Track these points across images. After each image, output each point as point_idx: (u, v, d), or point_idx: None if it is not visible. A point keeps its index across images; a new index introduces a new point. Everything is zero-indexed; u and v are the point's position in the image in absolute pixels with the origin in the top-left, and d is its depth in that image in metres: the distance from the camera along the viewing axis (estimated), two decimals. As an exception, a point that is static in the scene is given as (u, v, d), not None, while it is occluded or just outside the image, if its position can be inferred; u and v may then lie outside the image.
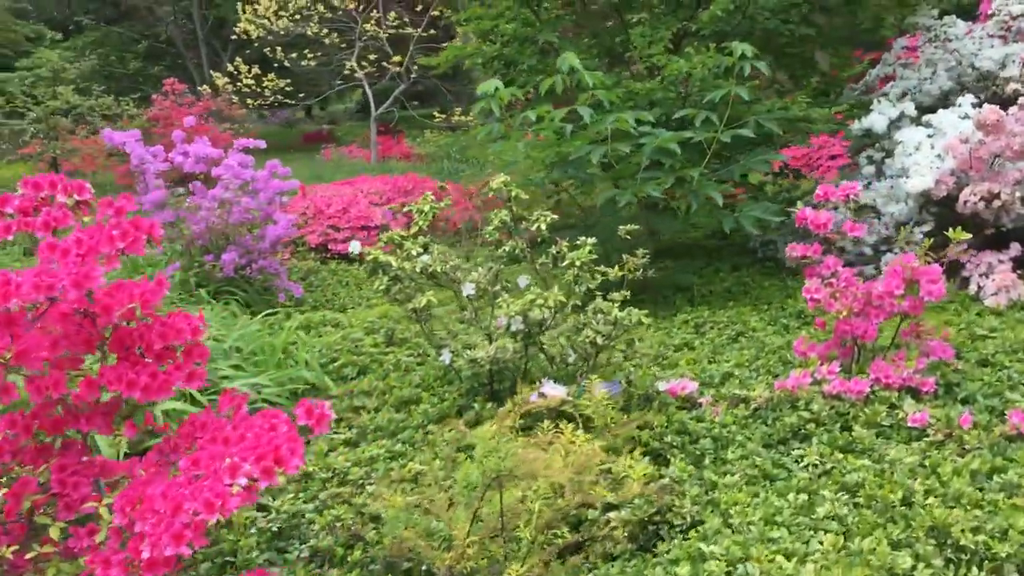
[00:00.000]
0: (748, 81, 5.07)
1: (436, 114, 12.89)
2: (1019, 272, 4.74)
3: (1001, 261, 4.82)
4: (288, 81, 13.78)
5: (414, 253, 3.57)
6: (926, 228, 5.08)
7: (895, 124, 5.55)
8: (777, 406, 3.34)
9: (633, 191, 4.85)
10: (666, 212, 5.48)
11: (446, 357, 3.56)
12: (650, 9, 6.34)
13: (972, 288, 4.82)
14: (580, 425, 2.89)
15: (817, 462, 2.92)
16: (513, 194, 3.61)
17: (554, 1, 6.34)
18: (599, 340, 3.24)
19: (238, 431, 1.78)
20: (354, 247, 3.58)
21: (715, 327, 4.65)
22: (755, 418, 3.31)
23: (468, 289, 3.55)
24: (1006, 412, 3.10)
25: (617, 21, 6.51)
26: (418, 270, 3.53)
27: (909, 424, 3.05)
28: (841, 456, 2.92)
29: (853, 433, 3.06)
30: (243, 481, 1.65)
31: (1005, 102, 5.23)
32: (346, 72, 13.54)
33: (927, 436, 3.02)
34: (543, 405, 3.18)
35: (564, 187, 5.91)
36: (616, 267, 3.49)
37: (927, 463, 2.81)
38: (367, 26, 13.23)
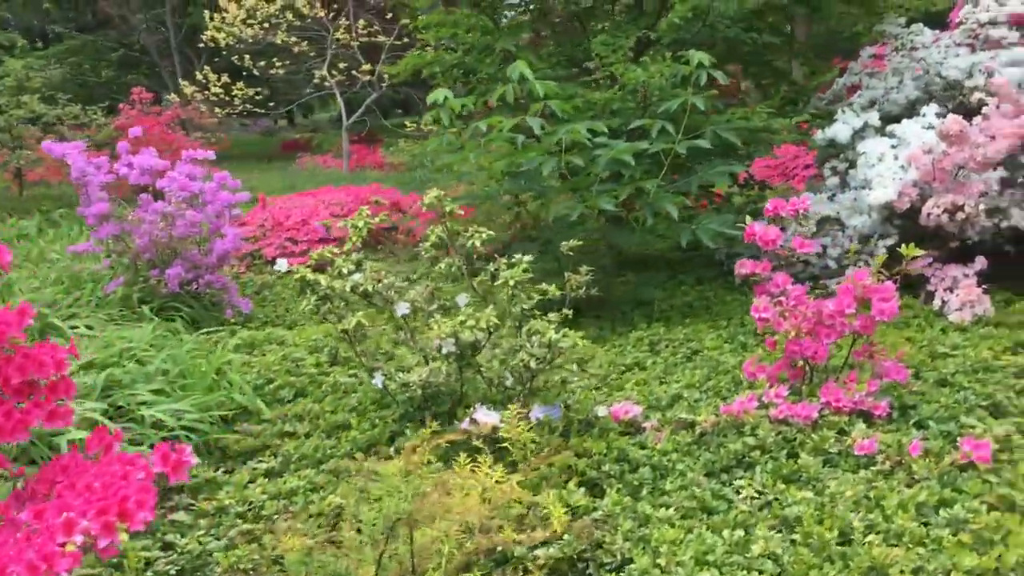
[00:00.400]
0: (707, 90, 4.93)
1: (407, 123, 12.72)
2: (984, 287, 4.60)
3: (966, 275, 4.69)
4: (258, 89, 13.58)
5: (344, 271, 3.40)
6: (890, 241, 4.93)
7: (859, 134, 5.42)
8: (723, 431, 3.18)
9: (587, 204, 4.69)
10: (625, 225, 5.33)
11: (378, 380, 3.38)
12: (611, 17, 6.20)
13: (936, 303, 4.67)
14: (507, 456, 2.73)
15: (759, 493, 2.76)
16: (448, 209, 3.44)
17: (511, 9, 6.20)
18: (533, 364, 3.08)
19: (84, 480, 1.61)
20: (280, 265, 3.41)
21: (670, 345, 4.49)
22: (700, 444, 3.15)
23: (402, 309, 3.38)
24: (960, 438, 2.95)
25: (579, 29, 6.37)
26: (348, 289, 3.36)
27: (856, 452, 2.90)
28: (784, 487, 2.76)
29: (799, 461, 2.91)
30: (79, 539, 1.47)
31: (972, 112, 5.10)
32: (315, 81, 13.36)
33: (875, 464, 2.87)
34: (474, 432, 3.02)
35: (523, 200, 5.75)
36: (554, 285, 3.32)
37: (872, 495, 2.66)
38: (338, 35, 13.06)
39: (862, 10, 6.60)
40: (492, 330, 3.15)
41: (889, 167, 4.95)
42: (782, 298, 3.37)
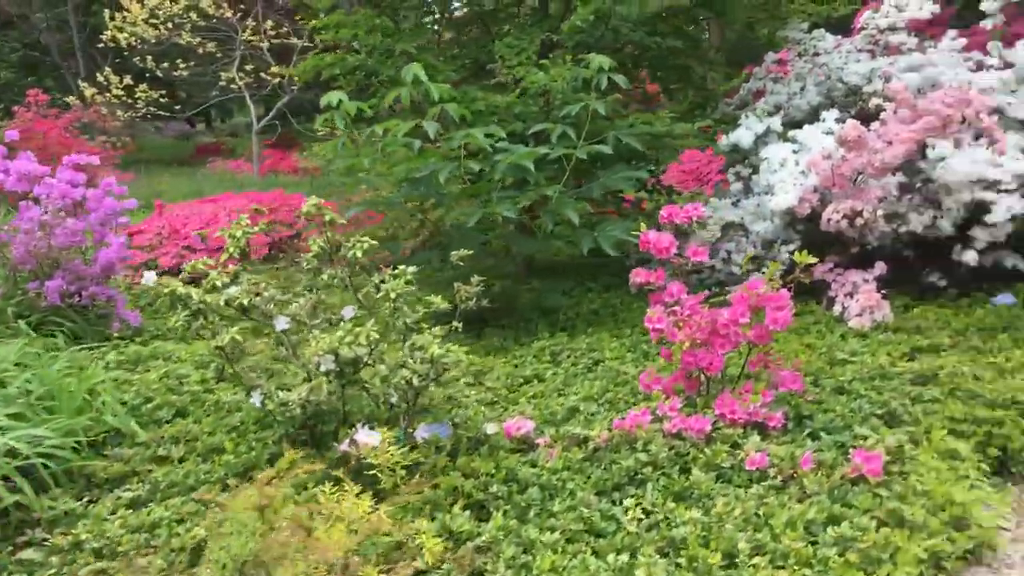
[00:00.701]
0: (610, 95, 4.85)
1: (319, 127, 12.37)
2: (884, 292, 4.61)
3: (866, 280, 4.69)
4: (163, 92, 13.10)
5: (219, 284, 3.19)
6: (792, 247, 4.92)
7: (762, 139, 5.41)
8: (616, 447, 3.07)
9: (487, 210, 4.56)
10: (529, 232, 5.22)
11: (256, 399, 3.18)
12: (516, 20, 6.10)
13: (837, 309, 4.67)
14: (379, 482, 2.57)
15: (647, 513, 2.65)
16: (328, 218, 3.27)
17: (414, 11, 6.04)
18: (416, 381, 2.92)
19: None
20: (148, 279, 3.19)
21: (572, 355, 4.38)
22: (592, 461, 3.02)
23: (281, 323, 3.19)
24: (853, 449, 2.89)
25: (485, 32, 6.26)
26: (223, 303, 3.15)
27: (747, 467, 2.82)
28: (673, 505, 2.66)
29: (691, 477, 2.81)
30: None
31: (872, 117, 5.13)
32: (222, 83, 12.95)
33: (767, 479, 2.79)
34: (353, 455, 2.85)
35: (427, 206, 5.59)
36: (440, 297, 3.17)
37: (762, 512, 2.57)
38: (247, 35, 12.68)
39: (766, 15, 6.62)
40: (374, 346, 2.99)
41: (791, 172, 4.94)
42: (676, 308, 3.29)
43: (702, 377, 3.35)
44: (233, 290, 3.19)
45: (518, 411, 3.59)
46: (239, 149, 18.21)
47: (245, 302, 3.15)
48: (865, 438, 3.02)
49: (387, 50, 5.74)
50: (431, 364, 2.91)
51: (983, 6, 5.45)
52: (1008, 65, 5.13)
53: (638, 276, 3.38)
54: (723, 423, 3.11)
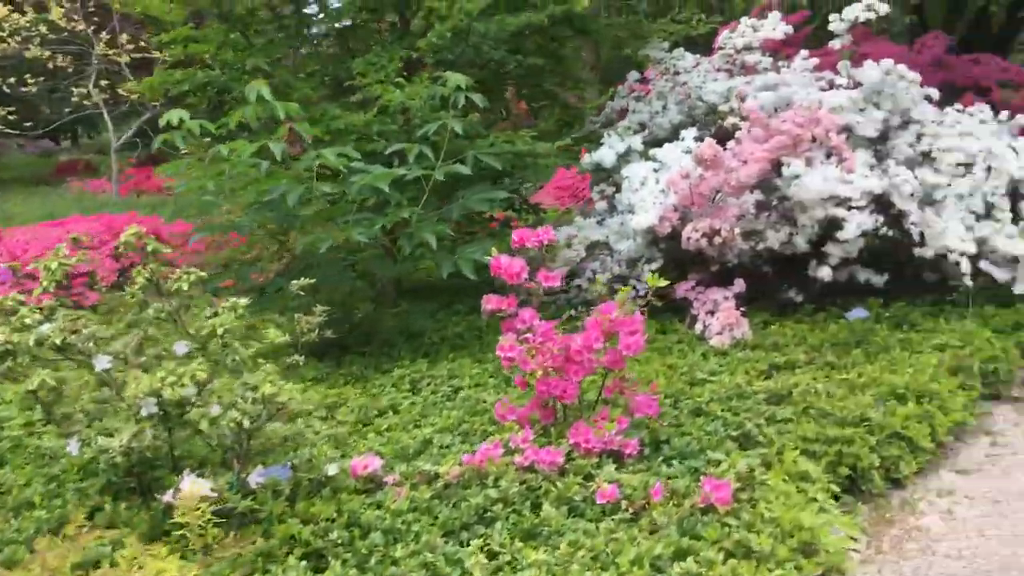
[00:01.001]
0: (470, 113, 4.74)
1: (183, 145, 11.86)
2: (743, 309, 4.63)
3: (726, 298, 4.71)
4: (11, 108, 12.33)
5: (28, 322, 2.90)
6: (655, 265, 4.91)
7: (624, 158, 5.40)
8: (468, 483, 2.93)
9: (343, 234, 4.37)
10: (392, 255, 5.06)
11: (73, 447, 2.91)
12: (377, 36, 5.93)
13: (699, 327, 4.67)
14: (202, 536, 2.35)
15: (493, 555, 2.51)
16: (151, 248, 3.02)
17: (268, 25, 5.81)
18: (246, 422, 2.71)
19: None
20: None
21: (432, 383, 4.22)
22: (442, 499, 2.87)
23: (102, 363, 2.91)
24: (705, 476, 2.84)
25: (344, 48, 6.07)
26: (32, 343, 2.86)
27: (599, 500, 2.72)
28: (521, 545, 2.53)
29: (542, 513, 2.69)
30: None
31: (730, 136, 5.19)
32: (75, 99, 12.28)
33: (619, 512, 2.70)
34: (179, 507, 2.62)
35: (285, 230, 5.35)
36: (272, 331, 2.97)
37: (611, 549, 2.47)
38: (102, 49, 12.06)
39: (628, 32, 6.66)
40: (202, 385, 2.76)
41: (651, 191, 4.94)
42: (529, 335, 3.17)
43: (557, 405, 3.25)
44: (45, 328, 2.91)
45: (368, 447, 3.41)
46: (103, 167, 17.36)
47: (59, 341, 2.87)
48: (718, 463, 2.97)
49: (240, 66, 5.48)
50: (263, 404, 2.70)
51: (832, 27, 5.60)
52: (857, 84, 5.28)
53: (489, 303, 3.25)
54: (578, 453, 3.01)
